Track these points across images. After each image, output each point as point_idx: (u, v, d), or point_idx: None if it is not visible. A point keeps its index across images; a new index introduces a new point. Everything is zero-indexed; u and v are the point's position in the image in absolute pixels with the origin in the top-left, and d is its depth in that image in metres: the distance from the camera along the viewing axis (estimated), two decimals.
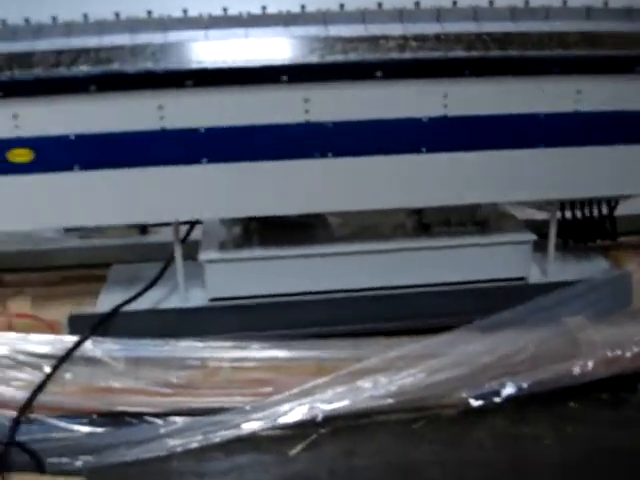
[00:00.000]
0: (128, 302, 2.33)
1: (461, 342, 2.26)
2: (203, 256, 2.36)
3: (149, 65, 2.05)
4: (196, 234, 2.55)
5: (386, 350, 2.25)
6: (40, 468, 1.94)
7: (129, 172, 2.17)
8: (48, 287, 2.73)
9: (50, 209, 2.22)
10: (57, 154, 2.14)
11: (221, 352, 2.25)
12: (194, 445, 2.05)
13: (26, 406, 2.10)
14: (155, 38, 2.11)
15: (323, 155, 2.19)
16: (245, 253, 2.39)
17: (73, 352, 2.18)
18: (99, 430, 2.11)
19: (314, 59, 2.09)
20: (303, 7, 2.14)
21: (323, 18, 2.14)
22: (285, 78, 2.09)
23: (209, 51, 2.11)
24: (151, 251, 2.76)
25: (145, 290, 2.37)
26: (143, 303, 2.38)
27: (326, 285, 2.42)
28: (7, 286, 2.75)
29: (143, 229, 2.88)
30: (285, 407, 2.14)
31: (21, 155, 2.13)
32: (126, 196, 2.21)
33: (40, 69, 2.05)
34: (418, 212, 2.50)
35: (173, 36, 2.13)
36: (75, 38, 2.10)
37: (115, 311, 2.30)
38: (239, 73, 2.08)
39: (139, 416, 2.15)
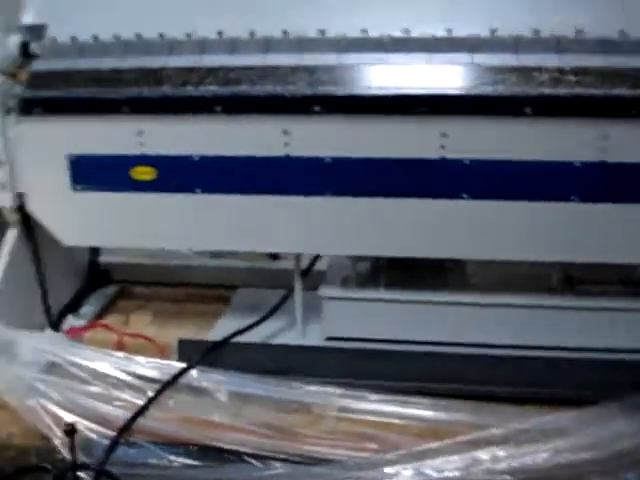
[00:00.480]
0: (240, 333, 2.23)
1: (598, 421, 1.95)
2: (323, 292, 2.22)
3: (276, 88, 1.94)
4: (322, 264, 2.42)
5: (510, 420, 1.98)
6: None
7: (250, 199, 2.08)
8: (173, 303, 2.72)
9: (170, 230, 2.18)
10: (179, 175, 2.09)
11: (331, 399, 2.09)
12: None
13: (125, 428, 2.05)
14: (289, 60, 2.00)
15: (457, 196, 1.98)
16: (369, 293, 2.21)
17: (177, 379, 2.11)
18: (195, 463, 2.03)
19: (454, 91, 1.88)
20: (449, 31, 1.95)
21: (473, 44, 1.94)
22: (422, 109, 1.90)
23: (345, 75, 1.97)
24: (280, 277, 2.65)
25: (260, 322, 2.26)
26: (257, 335, 2.27)
27: (453, 337, 2.19)
28: (134, 299, 2.76)
29: (274, 254, 2.78)
30: (390, 469, 1.95)
31: (144, 173, 2.10)
32: (246, 223, 2.12)
33: (168, 86, 2.00)
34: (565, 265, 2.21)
35: (309, 58, 2.01)
36: (207, 56, 2.04)
37: (225, 341, 2.20)
38: (369, 101, 1.91)
39: (237, 455, 2.05)
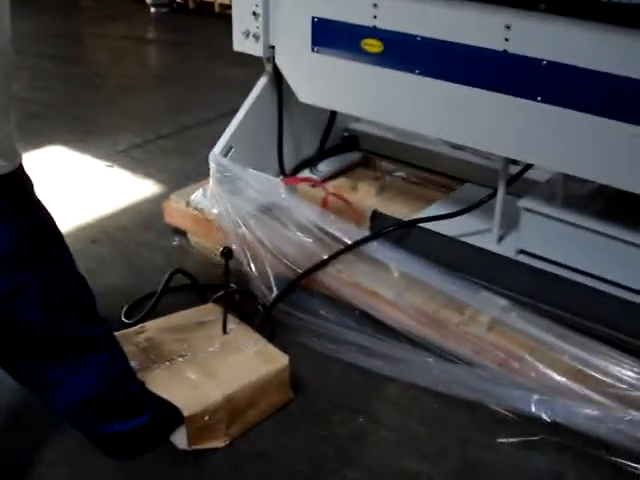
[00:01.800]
0: (428, 220, 2.25)
1: None
2: (523, 202, 2.12)
3: None
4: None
5: None
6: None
7: (463, 89, 2.03)
8: (404, 182, 2.80)
9: (387, 105, 2.23)
10: (402, 53, 2.11)
11: (490, 307, 2.06)
12: None
13: (303, 276, 2.25)
14: None
15: None
16: (567, 215, 2.06)
17: (358, 246, 2.22)
18: (352, 325, 2.17)
19: None
20: None
21: None
22: None
23: None
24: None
25: (451, 215, 2.26)
26: (450, 228, 2.27)
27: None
28: (372, 169, 2.90)
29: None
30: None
31: (373, 46, 2.16)
32: (456, 113, 2.09)
33: None
34: None
35: None
36: None
37: (411, 223, 2.25)
38: (593, 6, 1.72)
39: (390, 330, 2.15)
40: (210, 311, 2.08)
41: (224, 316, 2.00)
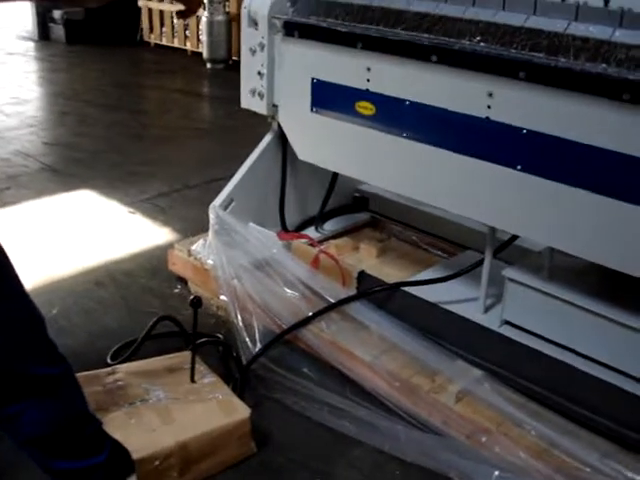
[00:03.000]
0: (413, 284, 2.24)
1: None
2: (507, 272, 2.09)
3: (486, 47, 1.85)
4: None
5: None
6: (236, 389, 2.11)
7: (447, 155, 2.03)
8: (409, 246, 2.79)
9: (378, 168, 2.25)
10: (392, 116, 2.13)
11: (466, 381, 2.01)
12: None
13: (287, 331, 2.26)
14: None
15: None
16: (550, 288, 2.01)
17: (340, 305, 2.22)
18: (326, 383, 2.16)
19: None
20: None
21: None
22: (627, 97, 1.64)
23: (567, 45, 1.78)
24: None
25: (437, 281, 2.24)
26: (436, 294, 2.24)
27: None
28: (379, 230, 2.90)
29: None
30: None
31: (366, 108, 2.19)
32: (440, 178, 2.09)
33: (396, 29, 2.04)
34: None
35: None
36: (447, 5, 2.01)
37: (397, 286, 2.24)
38: (573, 77, 1.71)
39: (361, 389, 2.12)
40: (184, 359, 2.10)
41: (192, 365, 2.01)
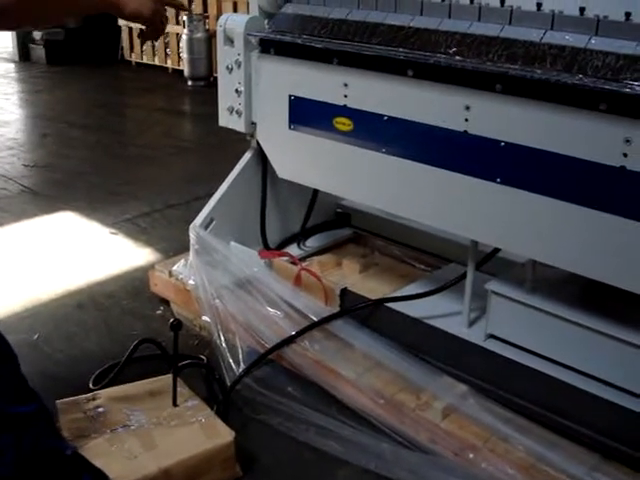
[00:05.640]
0: (396, 299, 2.22)
1: None
2: (490, 285, 2.07)
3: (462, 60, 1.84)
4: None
5: None
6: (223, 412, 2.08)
7: (426, 169, 2.02)
8: (393, 260, 2.77)
9: (358, 183, 2.23)
10: (370, 132, 2.12)
11: (451, 396, 1.99)
12: None
13: (270, 351, 2.23)
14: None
15: None
16: (533, 300, 2.00)
17: (323, 324, 2.20)
18: (311, 401, 2.13)
19: None
20: None
21: None
22: (604, 107, 1.64)
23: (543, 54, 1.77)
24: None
25: (419, 296, 2.22)
26: (420, 309, 2.23)
27: (615, 379, 1.88)
28: (362, 246, 2.88)
29: None
30: None
31: (344, 124, 2.18)
32: (420, 193, 2.07)
33: (371, 44, 2.03)
34: None
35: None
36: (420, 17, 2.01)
37: (379, 302, 2.22)
38: (549, 88, 1.70)
39: (346, 407, 2.09)
40: (166, 382, 2.06)
41: (174, 388, 1.98)
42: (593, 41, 1.70)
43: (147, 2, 1.75)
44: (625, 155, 1.64)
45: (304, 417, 2.09)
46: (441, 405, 1.95)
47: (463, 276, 2.18)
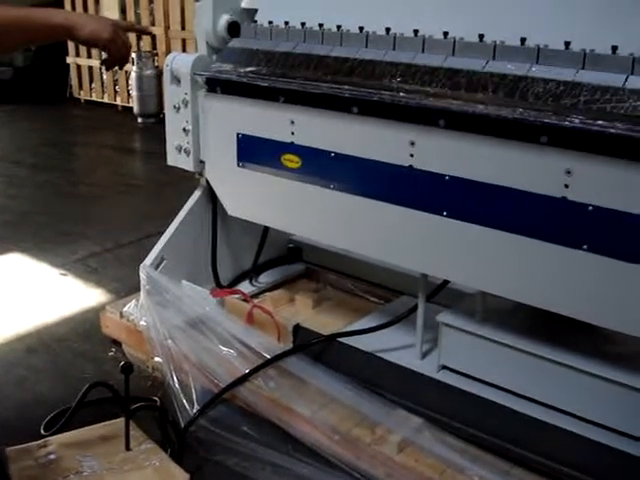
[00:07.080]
0: (348, 334, 2.23)
1: None
2: (441, 317, 2.10)
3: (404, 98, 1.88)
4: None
5: None
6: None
7: (374, 204, 2.04)
8: (346, 294, 2.78)
9: (307, 220, 2.25)
10: (318, 168, 2.14)
11: (406, 430, 1.99)
12: None
13: (224, 390, 2.21)
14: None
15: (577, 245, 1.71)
16: (483, 331, 2.03)
17: (276, 361, 2.19)
18: (266, 441, 2.11)
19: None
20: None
21: None
22: (544, 139, 1.68)
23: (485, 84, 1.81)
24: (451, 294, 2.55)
25: (372, 330, 2.23)
26: (373, 342, 2.24)
27: (569, 406, 1.91)
28: (314, 281, 2.89)
29: None
30: None
31: (292, 161, 2.20)
32: (369, 228, 2.09)
33: (317, 81, 2.06)
34: None
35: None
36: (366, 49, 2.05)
37: (332, 337, 2.22)
38: (490, 123, 1.75)
39: (302, 445, 2.08)
40: (119, 426, 2.03)
41: (126, 432, 1.95)
42: (534, 69, 1.75)
43: (105, 25, 1.73)
44: (566, 186, 1.69)
45: (260, 456, 2.07)
46: (396, 439, 1.95)
47: (415, 308, 2.21)
